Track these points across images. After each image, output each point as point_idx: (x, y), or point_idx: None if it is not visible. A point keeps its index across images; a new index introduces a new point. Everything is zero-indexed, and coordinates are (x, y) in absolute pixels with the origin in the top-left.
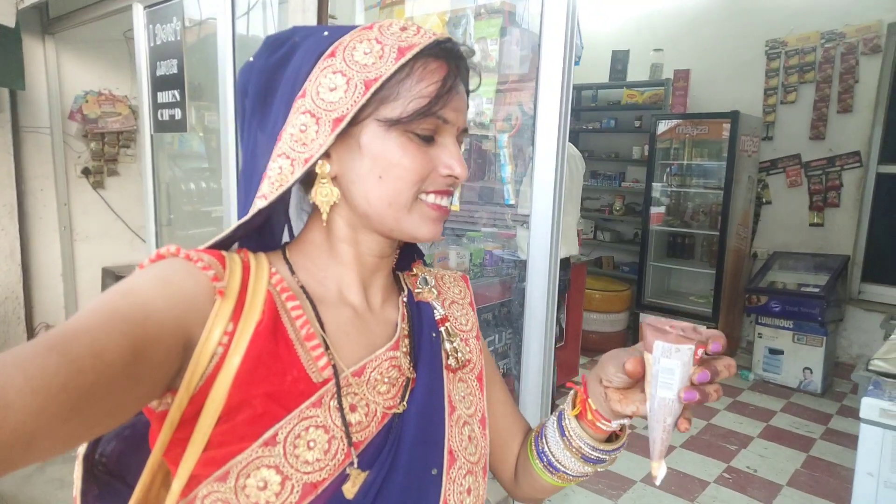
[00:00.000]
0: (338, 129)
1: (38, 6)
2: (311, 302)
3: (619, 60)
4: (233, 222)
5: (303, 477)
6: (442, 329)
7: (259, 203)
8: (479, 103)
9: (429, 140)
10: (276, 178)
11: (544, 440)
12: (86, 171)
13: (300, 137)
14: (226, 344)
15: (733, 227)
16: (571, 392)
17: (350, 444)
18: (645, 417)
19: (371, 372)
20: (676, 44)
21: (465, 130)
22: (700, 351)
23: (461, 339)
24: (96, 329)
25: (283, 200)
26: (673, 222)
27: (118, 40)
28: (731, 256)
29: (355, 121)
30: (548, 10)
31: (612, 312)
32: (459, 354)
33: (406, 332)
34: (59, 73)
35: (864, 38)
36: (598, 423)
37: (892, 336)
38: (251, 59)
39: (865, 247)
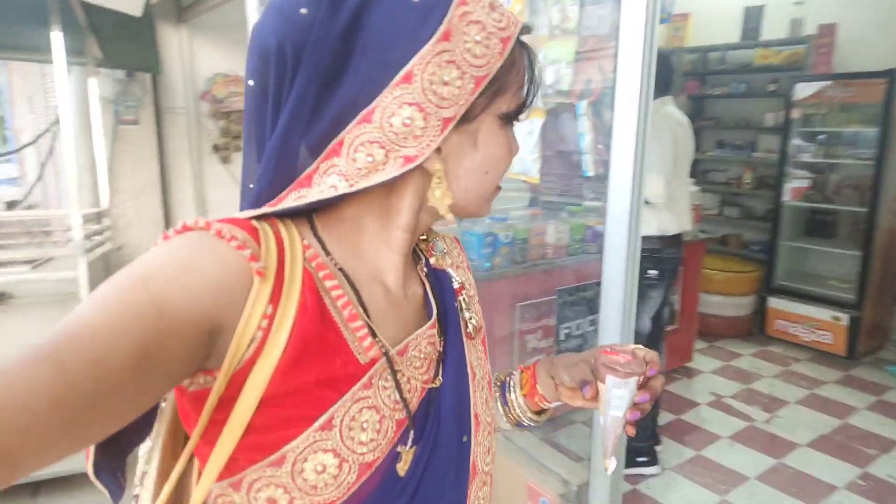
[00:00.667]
0: (448, 130)
1: None
2: (351, 282)
3: (752, 17)
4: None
5: (359, 458)
6: (461, 298)
7: (335, 180)
8: (558, 69)
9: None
10: (366, 165)
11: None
12: (215, 147)
13: (403, 131)
14: (265, 328)
15: (886, 202)
16: (518, 373)
17: (412, 420)
18: (583, 408)
19: (412, 350)
20: None
21: None
22: (641, 378)
23: (473, 305)
24: (97, 330)
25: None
26: (813, 197)
27: (242, 24)
28: (883, 236)
29: (465, 117)
30: None
31: (737, 295)
32: (474, 321)
33: (432, 304)
34: (191, 57)
35: None
36: (541, 404)
37: None
38: (303, 10)
39: None
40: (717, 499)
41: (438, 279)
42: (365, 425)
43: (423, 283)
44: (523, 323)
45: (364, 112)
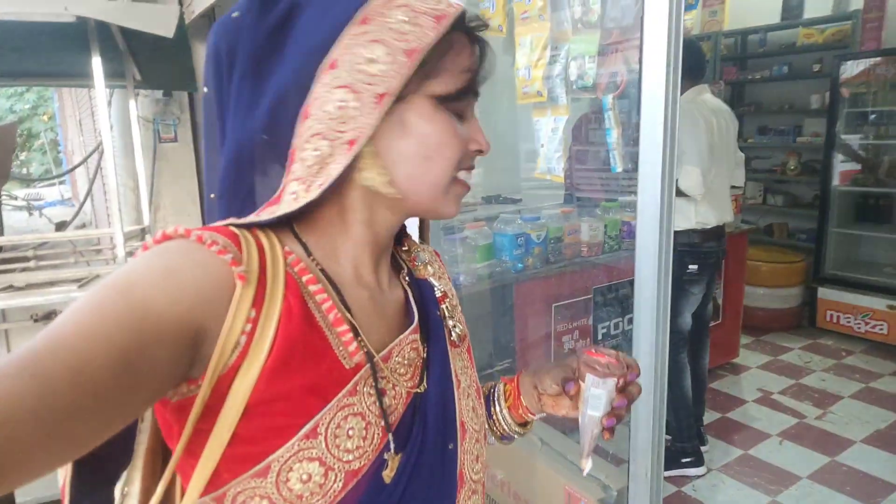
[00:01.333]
0: (383, 107)
1: (206, 15)
2: (334, 285)
3: None
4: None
5: (345, 466)
6: (443, 306)
7: (295, 186)
8: (581, 63)
9: (462, 114)
10: (315, 161)
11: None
12: None
13: (338, 115)
14: (248, 332)
15: None
16: (502, 385)
17: (389, 428)
18: (567, 417)
19: (396, 356)
20: None
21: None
22: (620, 381)
23: (458, 314)
24: (78, 338)
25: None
26: (863, 180)
27: None
28: None
29: (398, 97)
30: None
31: (783, 287)
32: (458, 329)
33: (415, 311)
34: None
35: None
36: (525, 416)
37: None
38: (235, 14)
39: None
40: (766, 500)
41: (420, 288)
42: (351, 432)
43: (406, 291)
44: (559, 324)
45: (303, 109)
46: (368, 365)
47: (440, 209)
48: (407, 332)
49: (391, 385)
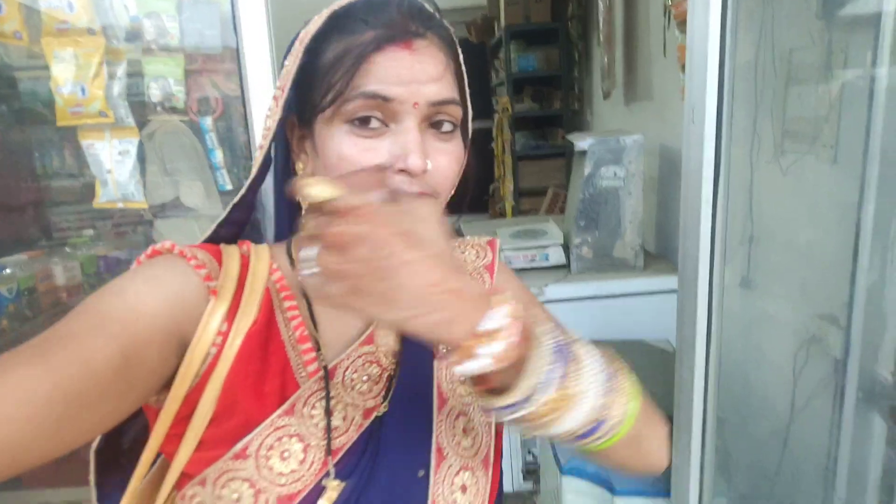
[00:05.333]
0: (278, 107)
1: None
2: (307, 300)
3: None
4: None
5: (277, 489)
6: None
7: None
8: (165, 85)
9: (377, 129)
10: (255, 162)
11: None
12: None
13: (264, 123)
14: (219, 344)
15: None
16: None
17: (328, 452)
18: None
19: (344, 371)
20: None
21: (446, 103)
22: None
23: None
24: (84, 333)
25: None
26: None
27: None
28: None
29: (307, 120)
30: None
31: None
32: None
33: None
34: None
35: None
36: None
37: None
38: None
39: None
40: None
41: None
42: (285, 455)
43: None
44: None
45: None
46: (310, 383)
47: None
48: (355, 345)
49: (340, 405)
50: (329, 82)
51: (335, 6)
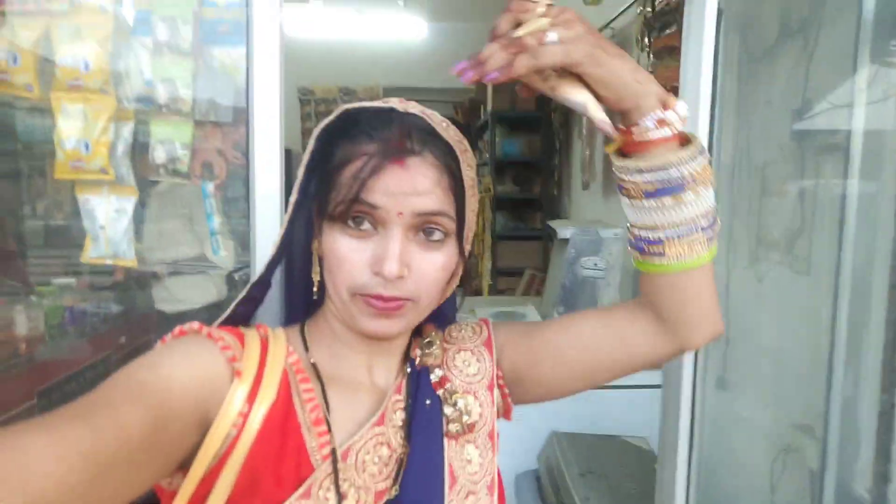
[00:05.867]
0: (289, 212)
1: None
2: (321, 382)
3: None
4: None
5: None
6: (440, 392)
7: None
8: (172, 149)
9: (367, 230)
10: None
11: (630, 235)
12: None
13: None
14: (239, 426)
15: None
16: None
17: None
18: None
19: (357, 453)
20: None
21: (433, 214)
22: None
23: (470, 395)
24: (120, 400)
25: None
26: None
27: None
28: None
29: (319, 211)
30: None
31: None
32: (465, 418)
33: (402, 405)
34: None
35: None
36: (633, 136)
37: None
38: None
39: None
40: None
41: (418, 377)
42: None
43: (396, 383)
44: None
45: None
46: (325, 465)
47: (352, 324)
48: (366, 427)
49: (353, 488)
50: (332, 191)
51: (349, 106)
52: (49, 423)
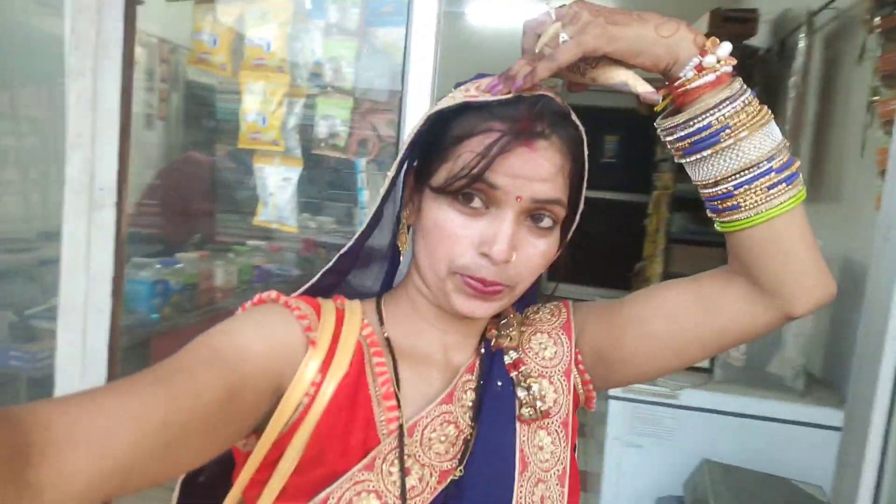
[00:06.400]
0: (386, 185)
1: None
2: (394, 357)
3: None
4: None
5: None
6: (513, 375)
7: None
8: (333, 124)
9: (478, 209)
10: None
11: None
12: None
13: (386, 181)
14: (311, 395)
15: None
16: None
17: None
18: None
19: (423, 430)
20: None
21: (550, 203)
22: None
23: (545, 379)
24: (197, 368)
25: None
26: None
27: None
28: None
29: (422, 181)
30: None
31: None
32: (538, 404)
33: (472, 385)
34: None
35: None
36: (678, 91)
37: None
38: None
39: None
40: None
41: (492, 358)
42: None
43: (469, 363)
44: None
45: None
46: (390, 439)
47: (443, 301)
48: (433, 404)
49: (417, 465)
50: (447, 162)
51: (471, 98)
52: (129, 387)
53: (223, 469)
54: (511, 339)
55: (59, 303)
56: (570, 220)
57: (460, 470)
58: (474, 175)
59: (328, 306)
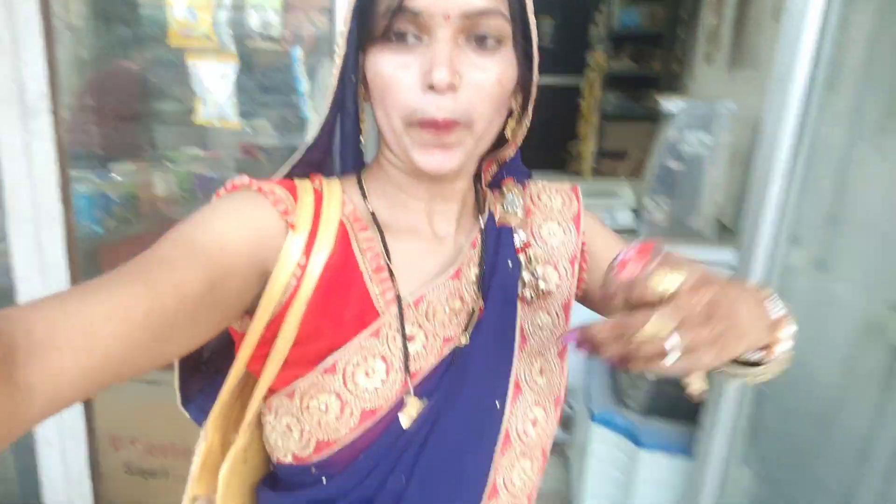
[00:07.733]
0: (343, 42)
1: None
2: (380, 230)
3: None
4: None
5: (361, 403)
6: (521, 256)
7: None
8: (264, 15)
9: (413, 45)
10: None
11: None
12: None
13: (336, 61)
14: (298, 276)
15: None
16: None
17: (407, 372)
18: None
19: (430, 302)
20: None
21: (485, 14)
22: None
23: (550, 265)
24: (176, 260)
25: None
26: None
27: None
28: None
29: (365, 52)
30: None
31: None
32: (541, 284)
33: (477, 261)
34: None
35: None
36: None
37: None
38: None
39: None
40: None
41: (498, 235)
42: (370, 373)
43: (472, 238)
44: None
45: None
46: (392, 308)
47: (407, 162)
48: (440, 278)
49: (422, 333)
50: (372, 14)
51: None
52: (108, 284)
53: (225, 344)
54: (518, 216)
55: (7, 214)
56: (527, 43)
57: (465, 337)
58: (394, 8)
59: (305, 186)
